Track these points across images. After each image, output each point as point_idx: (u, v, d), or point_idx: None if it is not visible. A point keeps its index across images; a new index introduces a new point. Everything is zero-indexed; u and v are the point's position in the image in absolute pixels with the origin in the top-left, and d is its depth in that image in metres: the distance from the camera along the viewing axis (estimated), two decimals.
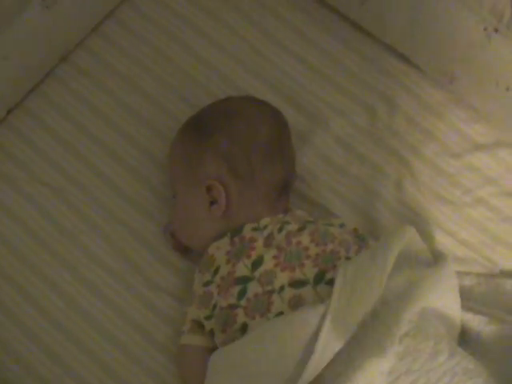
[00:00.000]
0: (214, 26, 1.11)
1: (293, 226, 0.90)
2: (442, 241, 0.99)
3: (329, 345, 0.77)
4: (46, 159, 1.06)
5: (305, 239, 0.88)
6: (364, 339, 0.78)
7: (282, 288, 0.85)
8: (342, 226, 0.93)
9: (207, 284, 0.91)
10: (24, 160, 1.06)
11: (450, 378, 0.76)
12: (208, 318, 0.90)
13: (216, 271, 0.90)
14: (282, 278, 0.86)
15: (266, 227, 0.90)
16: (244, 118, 0.94)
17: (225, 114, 0.96)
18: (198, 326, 0.93)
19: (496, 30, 0.94)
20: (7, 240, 1.02)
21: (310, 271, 0.85)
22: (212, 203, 0.93)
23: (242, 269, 0.88)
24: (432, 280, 0.83)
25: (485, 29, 0.94)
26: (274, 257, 0.87)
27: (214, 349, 0.89)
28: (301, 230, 0.90)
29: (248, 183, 0.92)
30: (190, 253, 1.00)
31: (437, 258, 0.88)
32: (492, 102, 1.02)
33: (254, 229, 0.90)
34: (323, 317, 0.78)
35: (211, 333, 0.90)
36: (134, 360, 0.97)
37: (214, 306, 0.88)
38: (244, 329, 0.85)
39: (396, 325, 0.77)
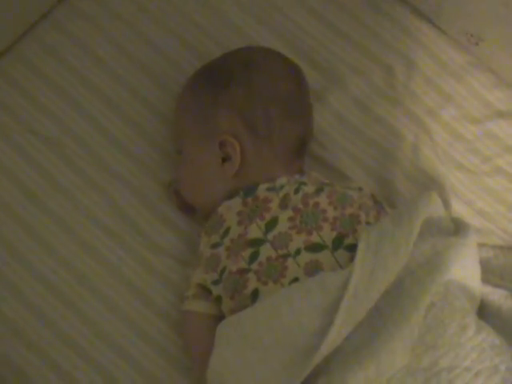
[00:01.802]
0: None
1: (310, 188, 0.85)
2: (458, 209, 0.96)
3: (350, 316, 0.72)
4: (39, 108, 0.98)
5: (323, 201, 0.83)
6: (387, 309, 0.73)
7: (297, 252, 0.80)
8: (360, 189, 0.88)
9: (215, 246, 0.85)
10: (15, 108, 0.98)
11: (477, 353, 0.72)
12: (216, 282, 0.84)
13: (226, 233, 0.84)
14: (298, 241, 0.80)
15: (282, 187, 0.85)
16: (264, 71, 0.88)
17: (244, 64, 0.89)
18: (204, 291, 0.87)
19: None
20: None
21: (328, 235, 0.80)
22: (224, 160, 0.87)
23: (255, 230, 0.82)
24: (457, 250, 0.77)
25: None
26: (290, 218, 0.82)
27: (219, 317, 0.84)
28: (318, 191, 0.84)
29: (265, 140, 0.86)
30: (195, 213, 0.94)
31: (458, 227, 0.83)
32: None
33: (269, 189, 0.85)
34: (344, 285, 0.72)
35: (218, 299, 0.84)
36: (132, 326, 0.92)
37: (223, 270, 0.83)
38: (255, 295, 0.80)
39: (422, 296, 0.72)
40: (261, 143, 0.87)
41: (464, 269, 0.79)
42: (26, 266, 0.93)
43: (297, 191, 0.84)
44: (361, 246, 0.75)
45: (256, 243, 0.82)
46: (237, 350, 0.77)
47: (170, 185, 0.95)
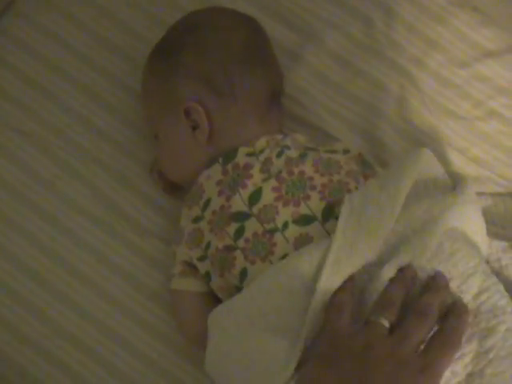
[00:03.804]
0: None
1: (293, 152, 0.81)
2: (452, 159, 0.91)
3: (332, 283, 0.68)
4: (12, 101, 0.96)
5: (308, 168, 0.79)
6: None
7: (285, 225, 0.75)
8: (345, 151, 0.84)
9: (197, 220, 0.81)
10: None
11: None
12: (201, 258, 0.81)
13: (206, 205, 0.81)
14: (285, 213, 0.76)
15: (262, 151, 0.81)
16: (211, 28, 0.84)
17: (189, 28, 0.85)
18: (190, 268, 0.84)
19: None
20: None
21: (316, 205, 0.76)
22: (194, 129, 0.84)
23: (238, 203, 0.78)
24: (454, 211, 0.72)
25: None
26: (274, 188, 0.78)
27: (209, 293, 0.82)
28: (302, 157, 0.80)
29: (229, 98, 0.82)
30: (181, 193, 0.91)
31: (456, 182, 0.77)
32: (502, 1, 0.92)
33: (249, 154, 0.81)
34: (326, 252, 0.69)
35: (207, 275, 0.81)
36: (123, 310, 0.89)
37: (208, 246, 0.80)
38: (244, 274, 0.76)
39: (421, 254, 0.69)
40: (227, 103, 0.83)
41: (466, 225, 0.74)
42: (12, 259, 0.91)
43: (279, 155, 0.80)
44: (343, 211, 0.72)
45: (240, 217, 0.78)
46: (232, 339, 0.74)
47: (151, 169, 0.92)
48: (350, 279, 0.69)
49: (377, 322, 0.64)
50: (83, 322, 0.89)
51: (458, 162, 0.91)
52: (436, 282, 0.67)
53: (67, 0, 0.98)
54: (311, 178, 0.78)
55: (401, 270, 0.68)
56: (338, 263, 0.68)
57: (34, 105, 0.96)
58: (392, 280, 0.67)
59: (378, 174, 0.83)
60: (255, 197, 0.78)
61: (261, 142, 0.82)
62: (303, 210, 0.76)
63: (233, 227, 0.77)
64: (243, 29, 0.85)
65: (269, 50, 0.88)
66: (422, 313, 0.64)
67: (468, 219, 0.74)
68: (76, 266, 0.91)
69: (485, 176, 0.91)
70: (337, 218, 0.73)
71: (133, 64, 0.96)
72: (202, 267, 0.81)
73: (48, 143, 0.94)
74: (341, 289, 0.68)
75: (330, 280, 0.68)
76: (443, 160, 0.90)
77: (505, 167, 0.92)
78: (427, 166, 0.76)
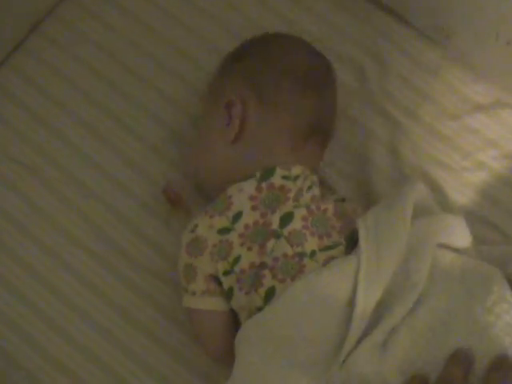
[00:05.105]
0: None
1: (317, 191, 0.84)
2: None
3: (368, 295, 0.72)
4: (16, 134, 0.99)
5: (330, 209, 0.82)
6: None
7: (313, 253, 0.78)
8: (343, 200, 0.88)
9: (224, 231, 0.80)
10: None
11: None
12: (227, 273, 0.79)
13: (237, 217, 0.80)
14: (312, 242, 0.78)
15: (297, 178, 0.83)
16: (283, 46, 0.88)
17: (262, 41, 0.90)
18: (214, 284, 0.81)
19: None
20: None
21: (338, 239, 0.80)
22: (228, 125, 0.86)
23: (274, 221, 0.79)
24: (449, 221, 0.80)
25: None
26: (303, 217, 0.80)
27: (231, 311, 0.82)
28: (323, 198, 0.83)
29: (271, 110, 0.84)
30: (182, 207, 0.94)
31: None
32: (492, 58, 0.96)
33: (285, 177, 0.82)
34: (358, 266, 0.73)
35: (230, 291, 0.79)
36: (118, 345, 0.91)
37: (237, 260, 0.79)
38: (272, 293, 0.76)
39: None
40: (267, 114, 0.85)
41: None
42: (13, 292, 0.93)
43: (308, 189, 0.83)
44: (361, 232, 0.76)
45: (274, 236, 0.79)
46: (262, 354, 0.74)
47: (164, 190, 0.94)
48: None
49: None
50: (80, 356, 0.91)
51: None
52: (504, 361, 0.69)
53: (72, 40, 1.03)
54: (331, 219, 0.81)
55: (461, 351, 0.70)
56: (369, 276, 0.72)
57: (36, 137, 0.99)
58: (452, 360, 0.69)
59: (382, 200, 0.86)
60: (287, 219, 0.80)
61: (296, 169, 0.83)
62: (327, 242, 0.79)
63: (271, 244, 0.79)
64: (314, 59, 0.89)
65: (329, 89, 0.90)
66: None
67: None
68: (72, 299, 0.93)
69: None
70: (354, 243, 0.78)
71: (132, 102, 1.00)
72: (227, 282, 0.80)
73: (48, 176, 0.97)
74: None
75: (367, 293, 0.71)
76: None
77: (492, 217, 0.94)
78: (421, 194, 0.82)
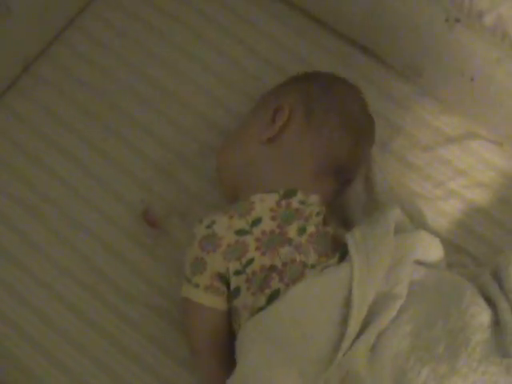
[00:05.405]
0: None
1: (322, 218, 0.89)
2: None
3: (363, 298, 0.77)
4: (10, 171, 1.03)
5: (330, 232, 0.89)
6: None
7: (313, 266, 0.83)
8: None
9: (242, 233, 0.85)
10: None
11: None
12: (237, 273, 0.83)
13: (256, 221, 0.85)
14: (314, 257, 0.84)
15: (310, 205, 0.88)
16: (345, 88, 0.95)
17: (330, 76, 0.97)
18: (219, 282, 0.84)
19: (457, 20, 0.93)
20: None
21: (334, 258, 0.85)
22: (268, 125, 0.91)
23: (290, 231, 0.85)
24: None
25: (446, 19, 0.94)
26: (310, 234, 0.85)
27: (227, 311, 0.86)
28: (324, 225, 0.90)
29: (312, 129, 0.90)
30: (159, 230, 0.98)
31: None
32: (458, 92, 1.01)
33: (302, 202, 0.88)
34: (351, 273, 0.79)
35: (236, 291, 0.83)
36: (110, 374, 0.94)
37: (250, 262, 0.83)
38: (274, 296, 0.81)
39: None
40: (308, 132, 0.90)
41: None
42: (8, 324, 0.96)
43: (318, 214, 0.88)
44: (350, 244, 0.82)
45: (289, 242, 0.84)
46: (263, 353, 0.78)
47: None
48: None
49: None
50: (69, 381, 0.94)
51: None
52: None
53: (65, 81, 1.08)
54: (329, 241, 0.88)
55: None
56: (362, 281, 0.78)
57: (29, 174, 1.03)
58: None
59: (365, 220, 0.92)
60: (301, 231, 0.85)
61: (313, 198, 0.89)
62: (323, 261, 0.85)
63: (284, 250, 0.83)
64: (365, 112, 0.95)
65: (367, 143, 0.96)
66: None
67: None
68: (65, 329, 0.96)
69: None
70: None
71: (127, 144, 1.05)
72: (235, 282, 0.84)
73: (40, 211, 1.01)
74: None
75: (361, 296, 0.77)
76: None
77: (465, 244, 0.98)
78: (399, 217, 0.88)
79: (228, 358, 0.85)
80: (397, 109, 1.04)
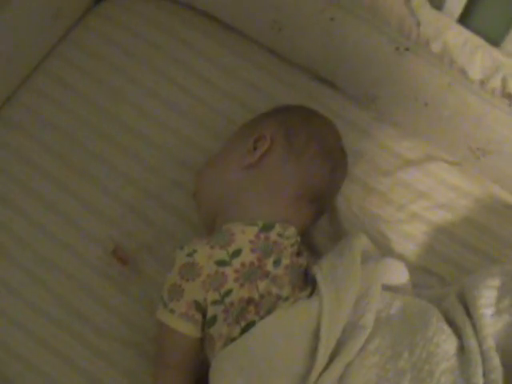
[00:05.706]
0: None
1: (297, 248, 0.91)
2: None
3: (331, 330, 0.79)
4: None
5: (304, 265, 0.91)
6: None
7: (286, 298, 0.85)
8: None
9: (222, 263, 0.86)
10: None
11: None
12: (215, 303, 0.85)
13: (236, 253, 0.87)
14: (288, 290, 0.86)
15: (288, 238, 0.90)
16: (323, 120, 0.99)
17: (309, 109, 1.00)
18: (196, 310, 0.86)
19: (407, 49, 0.96)
20: None
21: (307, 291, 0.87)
22: (249, 152, 0.93)
23: (268, 264, 0.86)
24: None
25: (396, 48, 0.97)
26: (285, 266, 0.87)
27: (201, 338, 0.87)
28: (300, 254, 0.92)
29: (292, 159, 0.93)
30: (130, 266, 0.99)
31: None
32: (414, 117, 1.04)
33: (280, 235, 0.90)
34: (320, 306, 0.81)
35: (211, 320, 0.84)
36: None
37: (228, 293, 0.85)
38: (248, 327, 0.82)
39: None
40: (288, 161, 0.93)
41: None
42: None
43: (292, 246, 0.90)
44: (318, 276, 0.85)
45: (267, 275, 0.86)
46: (236, 382, 0.80)
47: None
48: None
49: None
50: None
51: None
52: None
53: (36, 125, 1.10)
54: (302, 273, 0.90)
55: None
56: (331, 314, 0.80)
57: (1, 216, 1.05)
58: None
59: (332, 249, 0.93)
60: (277, 263, 0.87)
61: (290, 231, 0.91)
62: (297, 293, 0.86)
63: (263, 283, 0.85)
64: (339, 144, 0.99)
65: (341, 172, 0.99)
66: None
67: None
68: (42, 368, 0.97)
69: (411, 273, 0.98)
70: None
71: (100, 188, 1.07)
72: (212, 311, 0.85)
73: (13, 252, 1.02)
74: None
75: (330, 328, 0.79)
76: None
77: (429, 264, 1.00)
78: (365, 245, 0.91)
79: (194, 378, 0.88)
80: (356, 135, 1.06)
